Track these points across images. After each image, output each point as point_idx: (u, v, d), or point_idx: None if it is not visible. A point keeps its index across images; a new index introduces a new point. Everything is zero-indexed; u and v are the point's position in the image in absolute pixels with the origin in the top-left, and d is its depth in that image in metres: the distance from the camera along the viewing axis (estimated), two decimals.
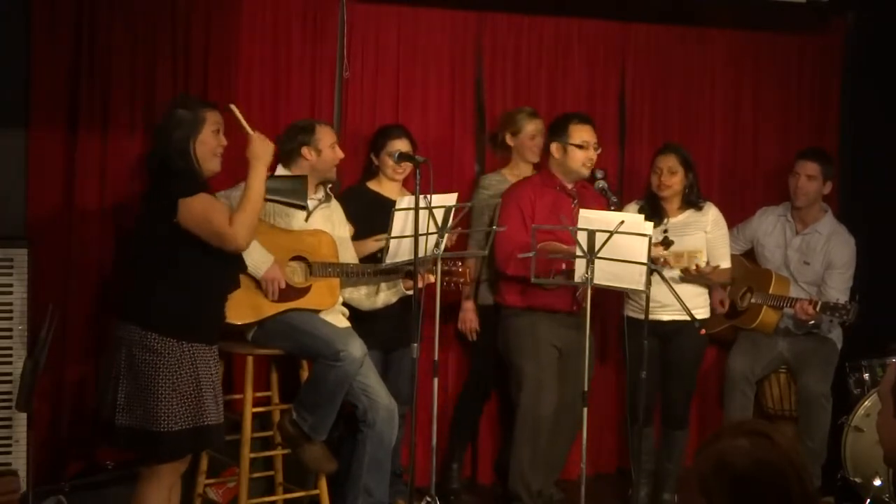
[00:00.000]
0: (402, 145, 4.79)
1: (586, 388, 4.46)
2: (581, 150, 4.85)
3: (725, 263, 5.12)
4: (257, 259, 4.24)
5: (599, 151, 4.93)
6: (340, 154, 4.63)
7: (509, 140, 5.20)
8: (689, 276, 4.92)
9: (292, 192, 4.09)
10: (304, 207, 4.17)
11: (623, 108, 5.75)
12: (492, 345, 5.06)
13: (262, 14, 5.01)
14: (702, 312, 4.97)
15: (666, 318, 4.93)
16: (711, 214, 5.07)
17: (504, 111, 5.35)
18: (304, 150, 4.53)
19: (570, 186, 4.93)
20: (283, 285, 4.31)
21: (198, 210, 3.66)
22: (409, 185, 4.92)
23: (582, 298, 4.83)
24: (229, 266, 3.85)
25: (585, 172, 4.90)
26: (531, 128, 5.17)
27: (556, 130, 4.93)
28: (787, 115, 6.01)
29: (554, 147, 4.91)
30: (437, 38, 5.34)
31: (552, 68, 5.56)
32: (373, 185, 4.92)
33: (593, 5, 5.58)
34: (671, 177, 5.00)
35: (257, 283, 4.29)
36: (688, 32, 5.82)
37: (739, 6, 5.78)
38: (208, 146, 3.79)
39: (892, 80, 5.77)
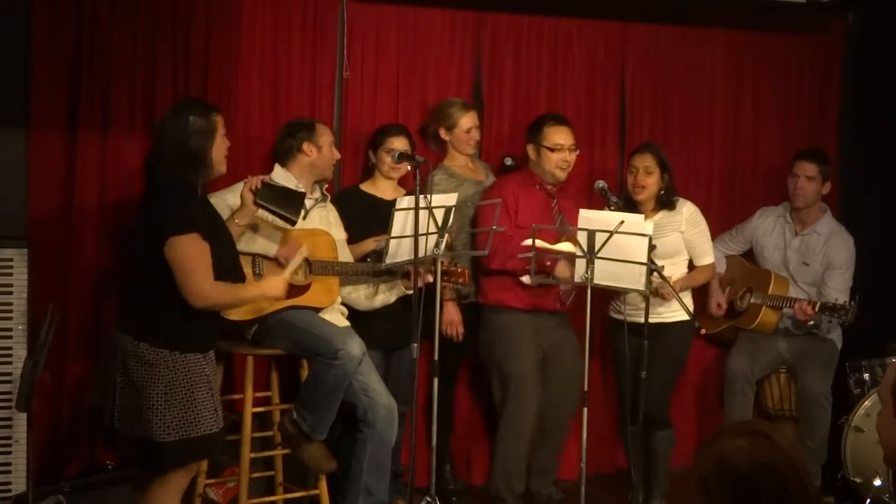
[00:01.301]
0: (399, 143, 4.79)
1: (586, 388, 4.45)
2: (554, 152, 4.83)
3: (708, 259, 5.08)
4: (266, 239, 4.27)
5: (577, 153, 4.90)
6: (337, 154, 4.66)
7: (444, 134, 5.07)
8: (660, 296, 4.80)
9: (288, 206, 4.09)
10: (293, 222, 4.17)
11: (623, 108, 5.74)
12: (468, 342, 4.99)
13: (262, 14, 5.00)
14: (679, 313, 4.88)
15: (642, 320, 4.73)
16: (685, 212, 4.97)
17: (445, 107, 5.12)
18: (306, 146, 4.53)
19: (549, 187, 4.91)
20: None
21: (183, 252, 3.58)
22: (405, 184, 4.92)
23: (566, 298, 4.81)
24: (223, 278, 3.79)
25: (560, 175, 4.86)
26: (466, 121, 5.04)
27: (532, 131, 4.91)
28: (787, 115, 6.01)
29: (529, 148, 4.90)
30: (437, 38, 5.33)
31: (552, 68, 5.55)
32: (366, 188, 4.91)
33: (593, 5, 5.57)
34: (647, 177, 4.91)
35: (257, 279, 4.30)
36: (688, 32, 5.81)
37: (739, 6, 5.77)
38: (222, 151, 3.79)
39: (892, 80, 5.77)
